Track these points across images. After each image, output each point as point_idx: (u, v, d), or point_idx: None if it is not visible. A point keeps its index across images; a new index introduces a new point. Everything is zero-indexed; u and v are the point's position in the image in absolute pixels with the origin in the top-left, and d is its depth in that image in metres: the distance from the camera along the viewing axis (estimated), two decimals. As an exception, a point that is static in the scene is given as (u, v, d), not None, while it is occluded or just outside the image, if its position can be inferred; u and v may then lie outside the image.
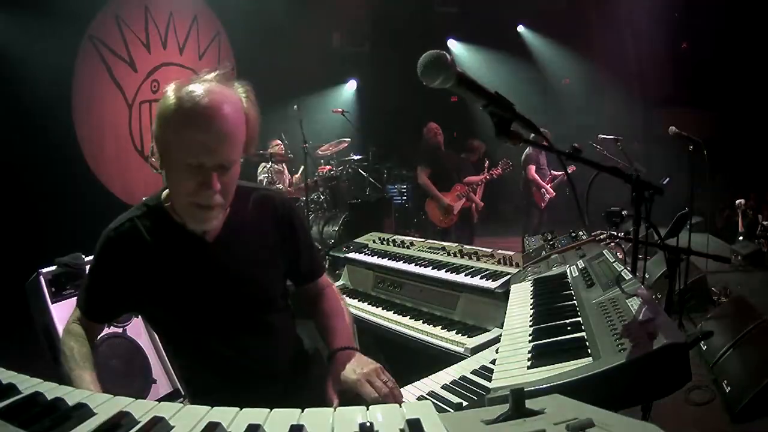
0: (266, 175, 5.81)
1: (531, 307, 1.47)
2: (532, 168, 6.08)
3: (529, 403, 0.63)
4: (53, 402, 0.75)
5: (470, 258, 2.49)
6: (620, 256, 1.70)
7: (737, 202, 6.24)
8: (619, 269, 1.43)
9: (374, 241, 3.04)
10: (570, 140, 1.51)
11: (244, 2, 7.05)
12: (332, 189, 6.36)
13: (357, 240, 3.16)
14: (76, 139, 5.42)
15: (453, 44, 9.87)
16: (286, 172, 6.28)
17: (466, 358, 1.73)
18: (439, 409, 1.31)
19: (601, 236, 2.03)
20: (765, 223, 5.76)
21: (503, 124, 1.12)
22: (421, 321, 2.28)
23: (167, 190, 1.39)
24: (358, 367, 1.29)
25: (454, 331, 2.11)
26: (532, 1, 9.03)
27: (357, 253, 2.89)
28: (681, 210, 2.04)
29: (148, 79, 6.22)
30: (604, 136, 6.05)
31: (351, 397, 1.26)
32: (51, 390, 0.81)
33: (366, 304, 2.59)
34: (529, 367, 1.05)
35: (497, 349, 1.29)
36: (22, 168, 4.61)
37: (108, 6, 5.70)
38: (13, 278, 2.89)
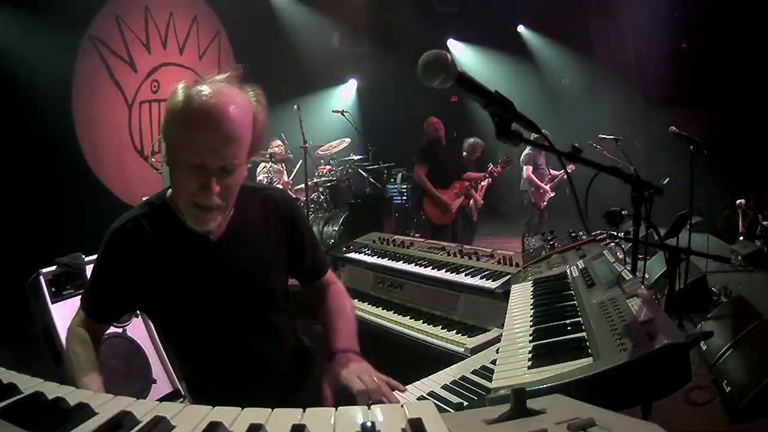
0: (266, 174, 5.81)
1: (531, 307, 1.47)
2: (529, 168, 6.09)
3: (530, 403, 0.63)
4: (54, 402, 0.75)
5: (470, 258, 2.49)
6: (620, 256, 1.70)
7: (738, 202, 6.24)
8: (619, 269, 1.43)
9: (374, 241, 3.04)
10: (570, 140, 1.51)
11: (244, 2, 7.06)
12: (332, 189, 6.37)
13: (357, 240, 3.16)
14: (76, 139, 5.42)
15: (453, 44, 9.88)
16: (285, 172, 6.28)
17: (466, 358, 1.73)
18: (440, 409, 1.31)
19: (601, 236, 2.03)
20: (765, 223, 5.75)
21: (503, 124, 1.12)
22: (421, 321, 2.28)
23: (171, 189, 1.39)
24: (353, 367, 1.30)
25: (454, 331, 2.11)
26: (532, 1, 9.03)
27: (357, 253, 2.90)
28: (681, 210, 2.04)
29: (148, 79, 6.22)
30: (604, 136, 6.05)
31: (345, 395, 1.27)
32: (52, 390, 0.81)
33: (366, 304, 2.59)
34: (529, 367, 1.05)
35: (497, 349, 1.29)
36: (22, 168, 4.61)
37: (108, 6, 5.71)
38: (13, 278, 2.89)
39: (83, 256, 2.68)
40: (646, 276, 3.91)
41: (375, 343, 2.55)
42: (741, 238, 6.10)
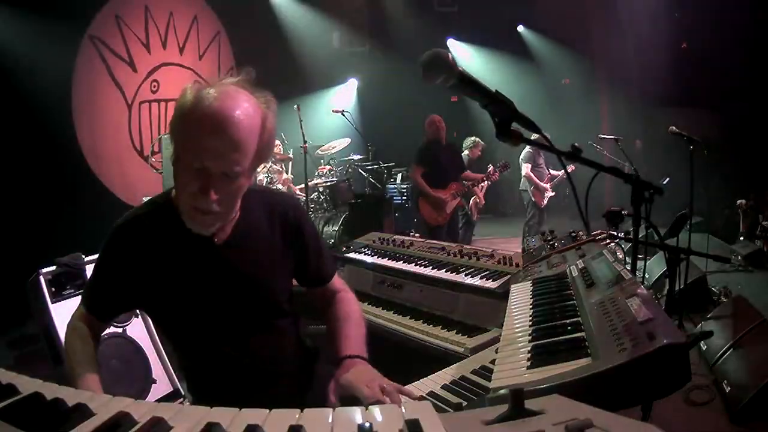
0: (265, 174, 5.81)
1: (531, 307, 1.47)
2: (528, 167, 6.08)
3: (529, 404, 0.63)
4: (53, 402, 0.75)
5: (470, 258, 2.49)
6: (620, 256, 1.70)
7: (738, 202, 6.24)
8: (618, 269, 1.42)
9: (374, 241, 3.04)
10: (570, 140, 1.51)
11: (244, 2, 7.07)
12: (332, 189, 6.37)
13: (357, 240, 3.15)
14: (76, 139, 5.42)
15: (453, 44, 9.88)
16: (285, 172, 6.28)
17: (466, 358, 1.73)
18: (439, 409, 1.30)
19: (601, 236, 2.03)
20: (765, 223, 5.75)
21: (503, 123, 1.12)
22: (421, 321, 2.28)
23: (175, 189, 1.38)
24: (361, 374, 1.28)
25: (454, 331, 2.10)
26: (532, 1, 9.03)
27: (357, 253, 2.89)
28: (681, 210, 2.04)
29: (148, 79, 6.23)
30: (604, 136, 6.05)
31: (349, 399, 1.25)
32: (51, 391, 0.80)
33: (366, 304, 2.59)
34: (528, 367, 1.05)
35: (497, 349, 1.29)
36: (22, 168, 4.61)
37: (108, 6, 5.71)
38: (13, 278, 2.89)
39: (83, 256, 2.68)
40: (646, 276, 3.91)
41: (375, 343, 2.55)
42: (741, 238, 6.10)
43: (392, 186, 7.51)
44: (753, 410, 2.42)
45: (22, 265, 2.80)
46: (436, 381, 1.49)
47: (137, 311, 2.79)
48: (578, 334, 1.14)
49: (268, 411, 0.70)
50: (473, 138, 6.29)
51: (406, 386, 1.42)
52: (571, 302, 1.39)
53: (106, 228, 1.42)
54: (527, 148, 6.12)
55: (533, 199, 6.21)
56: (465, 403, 1.33)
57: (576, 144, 1.34)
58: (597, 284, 1.42)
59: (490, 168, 5.78)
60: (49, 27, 4.91)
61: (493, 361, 1.40)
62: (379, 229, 3.52)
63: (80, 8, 5.37)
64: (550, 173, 6.31)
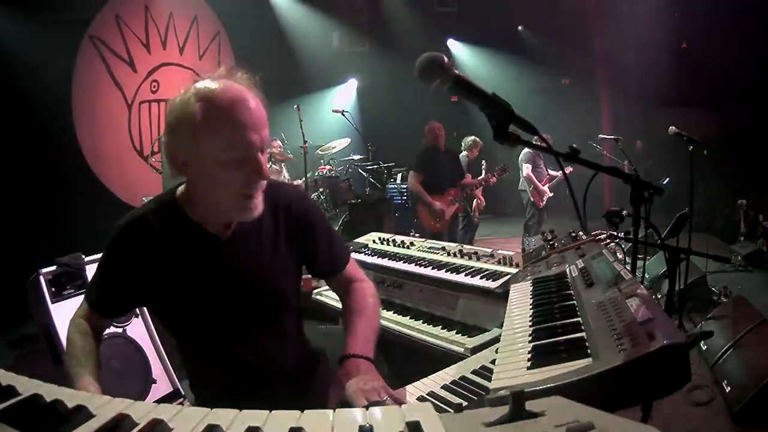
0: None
1: (531, 307, 1.47)
2: (528, 167, 6.08)
3: (530, 405, 0.63)
4: (52, 404, 0.75)
5: (470, 258, 2.49)
6: (620, 256, 1.70)
7: (739, 202, 6.24)
8: (618, 269, 1.42)
9: (374, 241, 3.04)
10: (570, 140, 1.51)
11: (244, 2, 7.07)
12: (332, 189, 6.37)
13: (357, 240, 3.16)
14: (76, 139, 5.42)
15: (453, 44, 9.89)
16: (284, 172, 6.28)
17: (466, 358, 1.73)
18: (439, 410, 1.30)
19: (601, 236, 2.03)
20: (765, 223, 5.76)
21: (501, 125, 1.12)
22: (421, 321, 2.28)
23: (182, 187, 1.38)
24: (361, 381, 1.24)
25: (454, 331, 2.11)
26: (532, 1, 9.03)
27: (357, 253, 2.89)
28: (681, 210, 2.04)
29: (148, 79, 6.23)
30: (604, 136, 6.05)
31: (349, 405, 1.24)
32: (50, 392, 0.80)
33: (366, 304, 2.59)
34: (528, 368, 1.05)
35: (497, 349, 1.29)
36: (22, 168, 4.61)
37: (108, 6, 5.71)
38: (13, 278, 2.89)
39: (83, 256, 2.68)
40: (646, 276, 3.91)
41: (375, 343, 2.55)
42: (741, 238, 6.10)
43: (392, 186, 7.50)
44: (753, 410, 2.42)
45: (22, 265, 2.80)
46: (436, 381, 1.49)
47: (137, 311, 2.80)
48: (578, 335, 1.14)
49: (268, 412, 0.70)
50: (472, 138, 6.29)
51: (406, 386, 1.42)
52: (571, 302, 1.39)
53: (106, 228, 1.41)
54: (525, 149, 6.12)
55: (532, 199, 6.20)
56: (465, 404, 1.33)
57: (574, 145, 1.34)
58: (597, 284, 1.42)
59: (489, 173, 5.79)
60: (49, 27, 4.91)
61: (493, 361, 1.40)
62: (379, 229, 3.52)
63: (80, 8, 5.37)
64: (549, 174, 6.31)
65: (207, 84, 1.24)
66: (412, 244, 2.88)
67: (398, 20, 9.06)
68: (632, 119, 9.09)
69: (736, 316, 3.12)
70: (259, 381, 1.42)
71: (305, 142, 5.54)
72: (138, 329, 2.77)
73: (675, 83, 8.27)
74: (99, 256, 1.44)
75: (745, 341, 2.81)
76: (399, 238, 3.00)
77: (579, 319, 1.24)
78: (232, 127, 1.20)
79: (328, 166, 6.89)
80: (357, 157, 6.98)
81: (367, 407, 0.69)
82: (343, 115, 6.37)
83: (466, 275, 2.27)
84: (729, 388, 2.62)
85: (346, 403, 1.24)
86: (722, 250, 5.61)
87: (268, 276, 1.43)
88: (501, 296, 2.00)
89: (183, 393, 2.78)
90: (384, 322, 2.38)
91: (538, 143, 1.25)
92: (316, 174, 6.71)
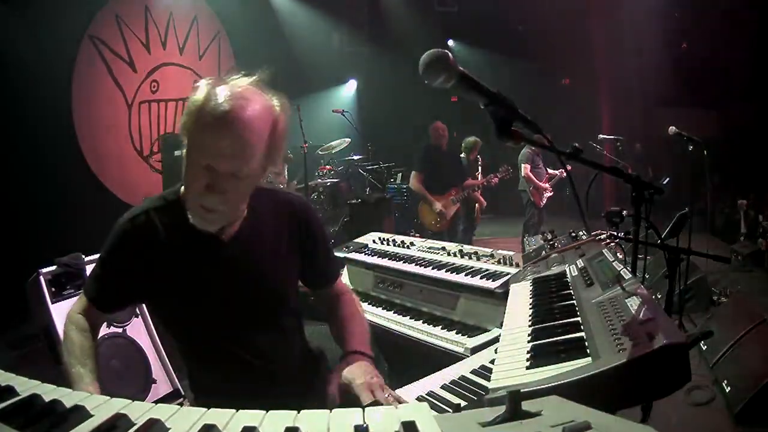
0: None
1: (530, 307, 1.47)
2: (527, 167, 6.08)
3: (527, 405, 0.63)
4: (50, 404, 0.75)
5: (470, 258, 2.49)
6: (620, 256, 1.70)
7: (739, 202, 6.24)
8: (618, 269, 1.42)
9: (374, 241, 3.04)
10: (570, 140, 1.50)
11: (244, 2, 7.06)
12: (332, 189, 6.36)
13: (357, 240, 3.15)
14: (76, 139, 5.42)
15: (453, 44, 9.87)
16: (284, 172, 6.27)
17: (466, 358, 1.73)
18: (439, 409, 1.31)
19: (601, 236, 2.03)
20: (765, 223, 5.75)
21: (504, 123, 1.11)
22: (421, 321, 2.28)
23: (183, 184, 1.38)
24: (366, 374, 1.28)
25: (454, 331, 2.11)
26: (533, 1, 9.03)
27: (357, 253, 2.89)
28: (681, 210, 2.04)
29: (148, 80, 6.22)
30: (604, 136, 6.05)
31: (351, 399, 1.26)
32: (49, 392, 0.80)
33: (366, 304, 2.59)
34: (528, 368, 1.05)
35: (497, 349, 1.29)
36: (22, 168, 4.61)
37: (108, 5, 5.70)
38: (13, 278, 2.89)
39: (83, 256, 2.68)
40: (646, 276, 3.91)
41: (375, 343, 2.55)
42: (741, 238, 6.10)
43: (392, 186, 7.50)
44: (753, 410, 2.42)
45: (22, 265, 2.80)
46: (435, 381, 1.49)
47: (137, 311, 2.80)
48: (578, 334, 1.14)
49: (264, 412, 0.70)
50: (471, 139, 6.29)
51: (406, 386, 1.42)
52: (571, 302, 1.39)
53: (106, 228, 1.41)
54: (526, 148, 6.11)
55: (532, 199, 6.20)
56: (465, 404, 1.33)
57: (576, 144, 1.34)
58: (597, 284, 1.42)
59: (490, 176, 5.82)
60: (49, 27, 4.91)
61: (492, 361, 1.40)
62: (379, 229, 3.51)
63: (80, 8, 5.36)
64: (548, 173, 6.31)
65: (224, 85, 1.25)
66: (412, 244, 2.88)
67: (398, 20, 9.05)
68: (632, 119, 9.08)
69: (736, 316, 3.12)
70: (259, 380, 1.42)
71: (305, 142, 5.54)
72: (138, 329, 2.77)
73: (675, 83, 8.27)
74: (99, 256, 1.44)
75: (745, 341, 2.81)
76: (399, 238, 3.00)
77: (578, 318, 1.24)
78: (208, 136, 1.21)
79: (328, 166, 6.88)
80: (357, 157, 6.97)
81: (363, 408, 0.69)
82: (343, 115, 6.36)
83: (466, 275, 2.27)
84: (729, 388, 2.61)
85: (347, 403, 1.24)
86: (722, 250, 5.61)
87: (268, 277, 1.44)
88: (501, 296, 2.00)
89: (183, 393, 2.78)
90: (384, 322, 2.38)
91: (541, 141, 1.25)
92: (316, 174, 6.70)
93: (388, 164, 7.21)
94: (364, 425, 0.63)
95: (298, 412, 0.69)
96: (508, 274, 2.15)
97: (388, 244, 2.95)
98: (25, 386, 0.83)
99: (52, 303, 2.53)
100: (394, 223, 6.44)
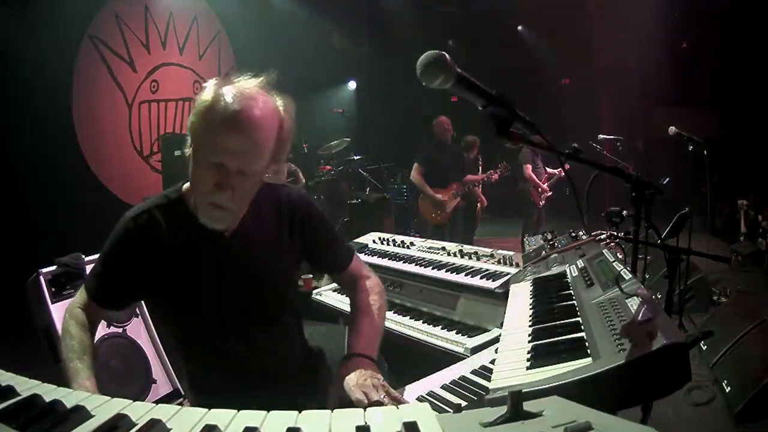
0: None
1: (530, 307, 1.47)
2: (529, 167, 6.08)
3: (528, 405, 0.63)
4: (51, 404, 0.75)
5: (470, 258, 2.49)
6: (620, 256, 1.70)
7: (739, 202, 6.24)
8: (618, 269, 1.42)
9: (374, 241, 3.04)
10: (570, 140, 1.51)
11: (244, 2, 7.06)
12: (332, 189, 6.36)
13: (357, 240, 3.16)
14: (76, 139, 5.42)
15: (453, 44, 9.86)
16: (284, 172, 6.27)
17: (466, 358, 1.73)
18: (439, 410, 1.30)
19: (601, 236, 2.03)
20: (765, 223, 5.76)
21: (503, 124, 1.11)
22: (421, 321, 2.28)
23: (188, 184, 1.40)
24: (361, 377, 1.27)
25: (454, 331, 2.11)
26: (532, 1, 9.02)
27: (357, 253, 2.89)
28: (681, 210, 2.04)
29: (148, 80, 6.22)
30: (604, 136, 6.05)
31: (350, 402, 1.25)
32: (49, 392, 0.80)
33: (366, 304, 2.59)
34: (528, 368, 1.05)
35: (497, 349, 1.29)
36: (22, 168, 4.61)
37: (108, 5, 5.70)
38: (13, 278, 2.89)
39: (83, 256, 2.68)
40: (646, 276, 3.91)
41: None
42: (741, 238, 6.10)
43: (392, 186, 7.50)
44: (753, 410, 2.42)
45: (22, 265, 2.80)
46: (436, 381, 1.49)
47: (137, 311, 2.80)
48: (578, 335, 1.14)
49: (266, 412, 0.70)
50: (470, 138, 6.29)
51: (406, 386, 1.42)
52: (571, 302, 1.39)
53: (106, 228, 1.41)
54: (525, 148, 6.12)
55: (532, 199, 6.20)
56: (465, 404, 1.33)
57: (575, 144, 1.34)
58: (596, 284, 1.42)
59: (490, 172, 5.83)
60: (49, 27, 4.90)
61: (493, 361, 1.40)
62: (379, 229, 3.51)
63: (80, 8, 5.36)
64: (547, 172, 6.31)
65: (232, 85, 1.28)
66: (412, 244, 2.88)
67: (398, 20, 9.05)
68: (632, 119, 9.07)
69: (736, 315, 3.12)
70: (258, 379, 1.42)
71: (305, 142, 5.54)
72: (138, 329, 2.77)
73: (675, 83, 8.27)
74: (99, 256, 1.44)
75: (745, 341, 2.81)
76: (399, 238, 3.00)
77: (579, 319, 1.24)
78: (217, 134, 1.23)
79: (328, 166, 6.88)
80: (357, 157, 6.98)
81: (365, 408, 0.69)
82: (343, 116, 6.36)
83: (466, 275, 2.28)
84: (729, 388, 2.61)
85: (346, 403, 1.24)
86: (722, 250, 5.61)
87: (268, 275, 1.45)
88: (501, 296, 2.01)
89: (183, 393, 2.78)
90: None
91: (541, 142, 1.25)
92: (316, 174, 6.71)
93: (388, 164, 7.22)
94: (366, 425, 0.63)
95: (300, 413, 0.69)
96: (508, 274, 2.15)
97: (388, 244, 2.95)
98: (26, 386, 0.83)
99: (52, 303, 2.53)
100: (394, 223, 6.45)
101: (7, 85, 4.54)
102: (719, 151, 4.60)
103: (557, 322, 1.26)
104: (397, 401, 1.25)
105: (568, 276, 1.66)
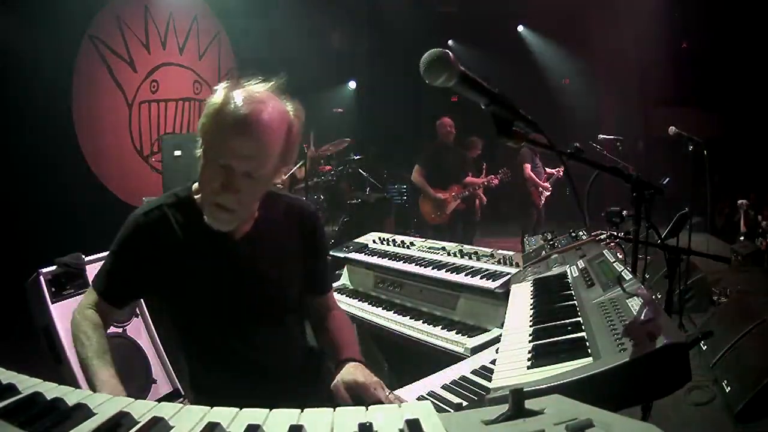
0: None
1: (531, 307, 1.47)
2: (528, 167, 6.09)
3: (529, 404, 0.63)
4: (53, 402, 0.75)
5: (470, 258, 2.49)
6: (620, 256, 1.70)
7: (739, 202, 6.23)
8: (619, 269, 1.42)
9: (374, 241, 3.04)
10: (570, 140, 1.51)
11: (244, 2, 7.06)
12: (332, 189, 6.36)
13: (357, 240, 3.16)
14: (76, 139, 5.42)
15: (453, 44, 9.87)
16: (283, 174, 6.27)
17: (466, 358, 1.73)
18: (439, 409, 1.30)
19: (601, 236, 2.03)
20: (765, 223, 5.75)
21: (505, 123, 1.12)
22: (421, 321, 2.28)
23: (197, 183, 1.41)
24: (367, 375, 1.33)
25: (454, 331, 2.11)
26: (532, 1, 9.03)
27: (357, 253, 2.89)
28: (681, 210, 2.04)
29: (148, 80, 6.22)
30: (604, 136, 6.05)
31: (355, 399, 1.29)
32: (50, 390, 0.80)
33: (366, 304, 2.59)
34: (529, 367, 1.05)
35: (497, 349, 1.29)
36: (22, 168, 4.61)
37: (108, 6, 5.71)
38: (13, 278, 2.89)
39: (83, 256, 2.67)
40: (646, 276, 3.91)
41: (375, 343, 2.55)
42: (741, 238, 6.09)
43: (392, 186, 7.50)
44: (753, 410, 2.42)
45: (22, 265, 2.80)
46: (436, 381, 1.49)
47: (137, 311, 2.80)
48: (579, 334, 1.14)
49: (268, 411, 0.70)
50: (472, 138, 6.30)
51: (406, 386, 1.43)
52: (572, 302, 1.39)
53: (106, 228, 1.42)
54: (525, 148, 6.12)
55: (531, 198, 6.20)
56: (465, 403, 1.33)
57: (577, 144, 1.34)
58: (597, 284, 1.42)
59: (491, 176, 5.84)
60: (49, 27, 4.91)
61: (493, 361, 1.41)
62: (379, 229, 3.51)
63: (80, 8, 5.36)
64: (546, 171, 6.31)
65: (242, 88, 1.30)
66: (412, 244, 2.88)
67: (398, 20, 9.04)
68: (632, 119, 9.08)
69: (736, 316, 3.12)
70: (260, 379, 1.43)
71: (305, 142, 5.54)
72: (138, 329, 2.77)
73: (675, 83, 8.27)
74: (99, 255, 1.45)
75: (745, 341, 2.81)
76: (399, 238, 3.00)
77: (579, 319, 1.25)
78: (227, 136, 1.25)
79: (328, 166, 6.88)
80: (357, 157, 6.97)
81: (367, 406, 0.70)
82: (343, 116, 6.36)
83: (466, 275, 2.28)
84: (729, 388, 2.61)
85: (353, 395, 1.27)
86: (722, 250, 5.60)
87: (274, 276, 1.47)
88: (501, 296, 2.01)
89: (183, 393, 2.78)
90: (384, 322, 2.38)
91: (542, 141, 1.25)
92: (316, 174, 6.70)
93: (387, 164, 7.22)
94: (368, 423, 0.63)
95: (302, 411, 0.69)
96: (508, 274, 2.15)
97: (388, 244, 2.95)
98: (27, 384, 0.83)
99: (52, 303, 2.52)
100: (394, 223, 6.45)
101: (7, 85, 4.54)
102: (719, 151, 4.60)
103: (558, 322, 1.26)
104: (398, 401, 1.27)
105: (569, 276, 1.66)
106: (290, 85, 1.42)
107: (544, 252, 2.22)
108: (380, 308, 2.50)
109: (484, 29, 9.39)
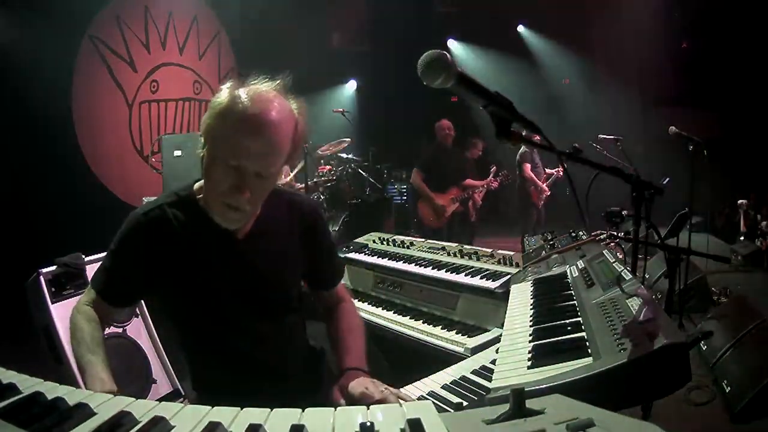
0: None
1: (531, 307, 1.47)
2: (528, 167, 6.08)
3: (530, 403, 0.63)
4: (53, 402, 0.75)
5: (470, 258, 2.49)
6: (620, 256, 1.70)
7: (739, 202, 6.24)
8: (619, 269, 1.43)
9: (374, 241, 3.04)
10: (570, 140, 1.51)
11: (244, 2, 7.06)
12: (332, 189, 6.36)
13: (357, 240, 3.16)
14: (76, 139, 5.42)
15: (453, 44, 9.87)
16: (284, 171, 6.27)
17: (466, 358, 1.73)
18: (439, 409, 1.30)
19: (601, 236, 2.03)
20: (765, 223, 5.76)
21: (503, 124, 1.12)
22: (421, 321, 2.28)
23: (199, 183, 1.41)
24: (368, 385, 1.28)
25: (454, 331, 2.11)
26: (532, 1, 9.03)
27: (357, 253, 2.89)
28: (681, 210, 2.04)
29: (148, 80, 6.22)
30: (604, 136, 6.05)
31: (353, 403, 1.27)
32: (51, 390, 0.81)
33: (366, 304, 2.59)
34: (529, 367, 1.05)
35: (497, 349, 1.29)
36: (21, 168, 4.61)
37: (108, 6, 5.71)
38: (13, 278, 2.89)
39: (83, 256, 2.67)
40: (646, 276, 3.91)
41: (375, 343, 2.55)
42: (741, 238, 6.10)
43: (392, 186, 7.50)
44: (753, 410, 2.42)
45: (22, 265, 2.80)
46: (436, 381, 1.49)
47: (137, 311, 2.80)
48: (579, 334, 1.14)
49: (269, 410, 0.70)
50: (473, 139, 6.30)
51: (406, 386, 1.42)
52: (572, 302, 1.39)
53: (106, 228, 1.41)
54: (524, 148, 6.12)
55: (531, 199, 6.20)
56: (465, 403, 1.33)
57: (576, 144, 1.34)
58: (597, 284, 1.42)
59: (490, 178, 5.84)
60: (49, 27, 4.90)
61: (493, 361, 1.41)
62: (379, 229, 3.52)
63: (80, 8, 5.36)
64: (545, 172, 6.31)
65: (249, 88, 1.30)
66: (412, 244, 2.88)
67: (398, 20, 9.04)
68: (632, 119, 9.07)
69: (736, 316, 3.12)
70: (261, 378, 1.43)
71: (305, 142, 5.53)
72: (138, 329, 2.77)
73: (675, 83, 8.27)
74: (99, 255, 1.44)
75: (745, 341, 2.81)
76: (399, 238, 3.00)
77: (579, 319, 1.25)
78: (237, 137, 1.24)
79: (328, 167, 6.88)
80: (357, 157, 6.98)
81: (368, 406, 0.70)
82: (343, 115, 6.36)
83: (466, 275, 2.28)
84: (729, 388, 2.61)
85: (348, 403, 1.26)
86: (722, 250, 5.60)
87: (276, 274, 1.47)
88: (501, 296, 2.01)
89: (183, 393, 2.78)
90: (384, 322, 2.38)
91: (541, 142, 1.26)
92: (316, 174, 6.70)
93: (387, 165, 7.22)
94: (369, 423, 0.63)
95: (303, 410, 0.69)
96: (508, 274, 2.15)
97: (388, 244, 2.95)
98: (28, 384, 0.83)
99: (52, 303, 2.52)
100: (394, 223, 6.45)
101: (7, 85, 4.54)
102: (719, 151, 4.60)
103: (558, 322, 1.26)
104: (402, 398, 1.26)
105: (569, 276, 1.66)
106: (290, 85, 1.42)
107: (544, 252, 2.22)
108: (380, 308, 2.51)
109: (484, 29, 9.39)
